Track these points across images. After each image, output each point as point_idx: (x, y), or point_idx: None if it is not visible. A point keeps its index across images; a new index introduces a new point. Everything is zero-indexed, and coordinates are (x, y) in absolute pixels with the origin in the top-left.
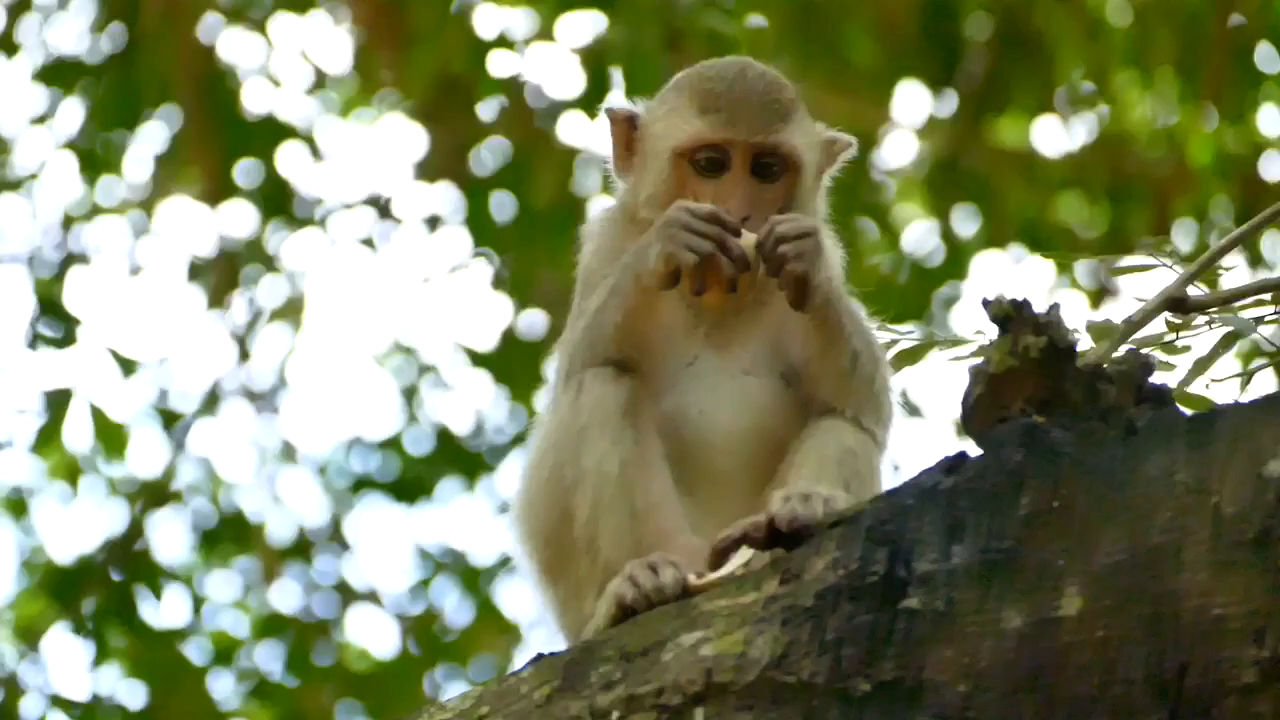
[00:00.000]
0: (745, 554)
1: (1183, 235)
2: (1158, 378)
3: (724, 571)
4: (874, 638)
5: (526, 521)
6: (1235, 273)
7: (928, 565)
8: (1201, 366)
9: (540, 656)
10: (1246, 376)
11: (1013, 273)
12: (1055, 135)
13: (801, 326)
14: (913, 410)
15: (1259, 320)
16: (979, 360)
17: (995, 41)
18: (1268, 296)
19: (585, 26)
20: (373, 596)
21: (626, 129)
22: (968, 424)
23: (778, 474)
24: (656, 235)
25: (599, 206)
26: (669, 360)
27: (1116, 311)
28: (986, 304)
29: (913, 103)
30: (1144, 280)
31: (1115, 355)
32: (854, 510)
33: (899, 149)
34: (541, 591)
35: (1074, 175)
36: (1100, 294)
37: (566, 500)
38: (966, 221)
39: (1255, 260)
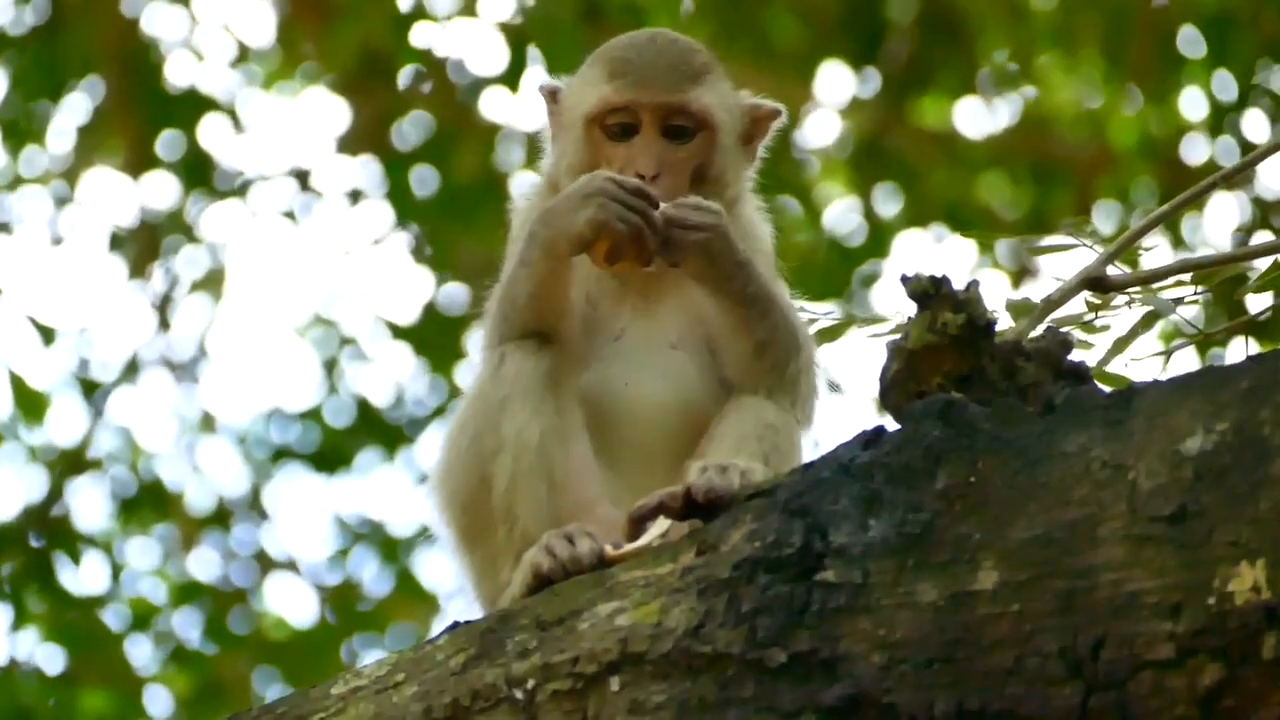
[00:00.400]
0: (662, 525)
1: (1104, 217)
2: (1076, 356)
3: (641, 542)
4: (790, 609)
5: (445, 489)
6: (1156, 253)
7: (844, 538)
8: (1121, 345)
9: (456, 624)
10: (1166, 356)
11: (934, 252)
12: (978, 116)
13: (710, 310)
14: (833, 387)
15: (1178, 301)
16: (897, 337)
17: (918, 22)
18: (1187, 277)
19: (505, 2)
20: (291, 565)
21: (551, 103)
22: (885, 399)
23: (699, 448)
24: (582, 202)
25: (521, 182)
26: (596, 333)
27: (1036, 290)
28: (905, 280)
29: (836, 82)
30: (1065, 260)
31: (1034, 333)
32: (771, 483)
33: (822, 128)
34: (459, 560)
35: (996, 156)
36: (1021, 274)
37: (485, 468)
38: (888, 201)
39: (1176, 242)
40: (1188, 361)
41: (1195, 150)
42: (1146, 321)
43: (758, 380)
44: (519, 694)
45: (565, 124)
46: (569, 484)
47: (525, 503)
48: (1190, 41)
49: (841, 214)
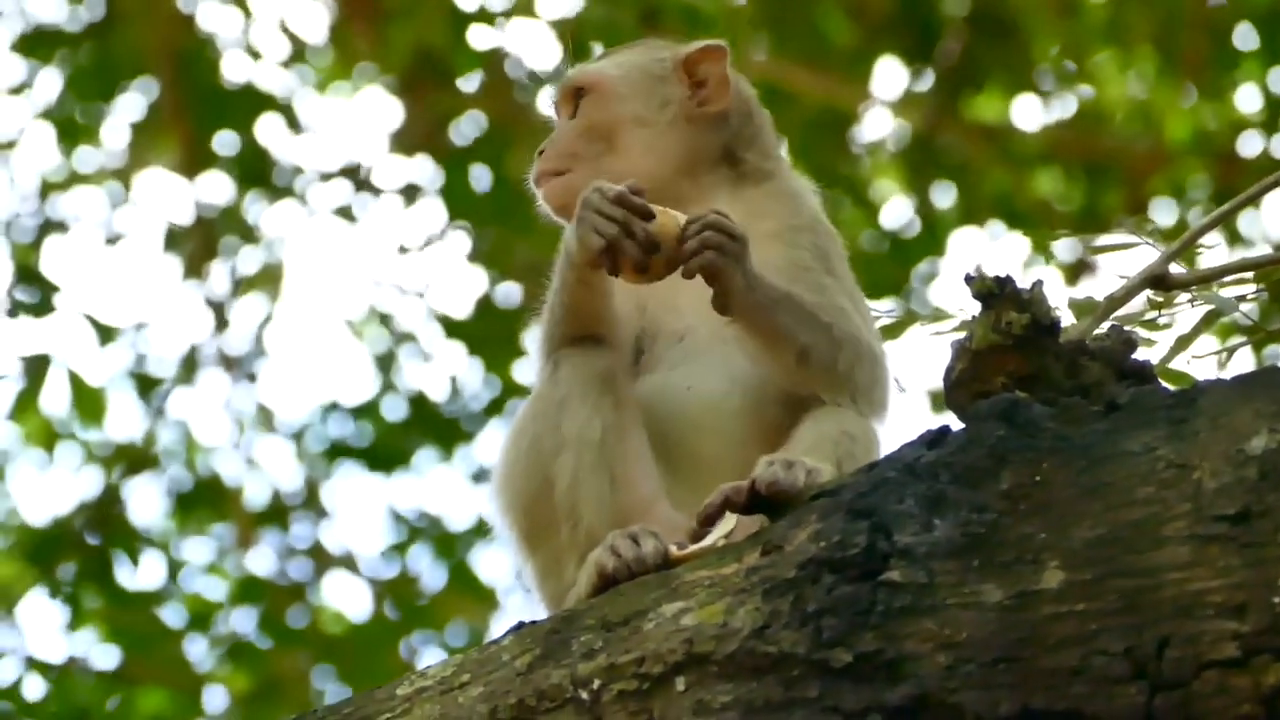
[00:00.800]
0: (727, 525)
1: (1159, 213)
2: (1139, 355)
3: (706, 543)
4: (855, 610)
5: (507, 492)
6: (1214, 251)
7: (909, 538)
8: (1183, 344)
9: (521, 625)
10: (1228, 354)
11: (989, 249)
12: (1032, 113)
13: (739, 329)
14: (897, 385)
15: (1240, 298)
16: (962, 336)
17: (971, 19)
18: (1249, 275)
19: (564, 2)
20: (348, 561)
21: None
22: (950, 399)
23: (777, 452)
24: (576, 216)
25: None
26: (657, 337)
27: (1097, 288)
28: (969, 280)
29: (890, 80)
30: (1123, 258)
31: (1097, 332)
32: (835, 483)
33: (877, 125)
34: (522, 561)
35: (1050, 152)
36: (1077, 269)
37: (547, 468)
38: (943, 197)
39: (1233, 238)
40: (1245, 360)
41: (1250, 144)
42: (1209, 320)
43: (811, 385)
44: (584, 694)
45: None
46: (629, 483)
47: (588, 500)
48: (1246, 37)
49: (897, 211)
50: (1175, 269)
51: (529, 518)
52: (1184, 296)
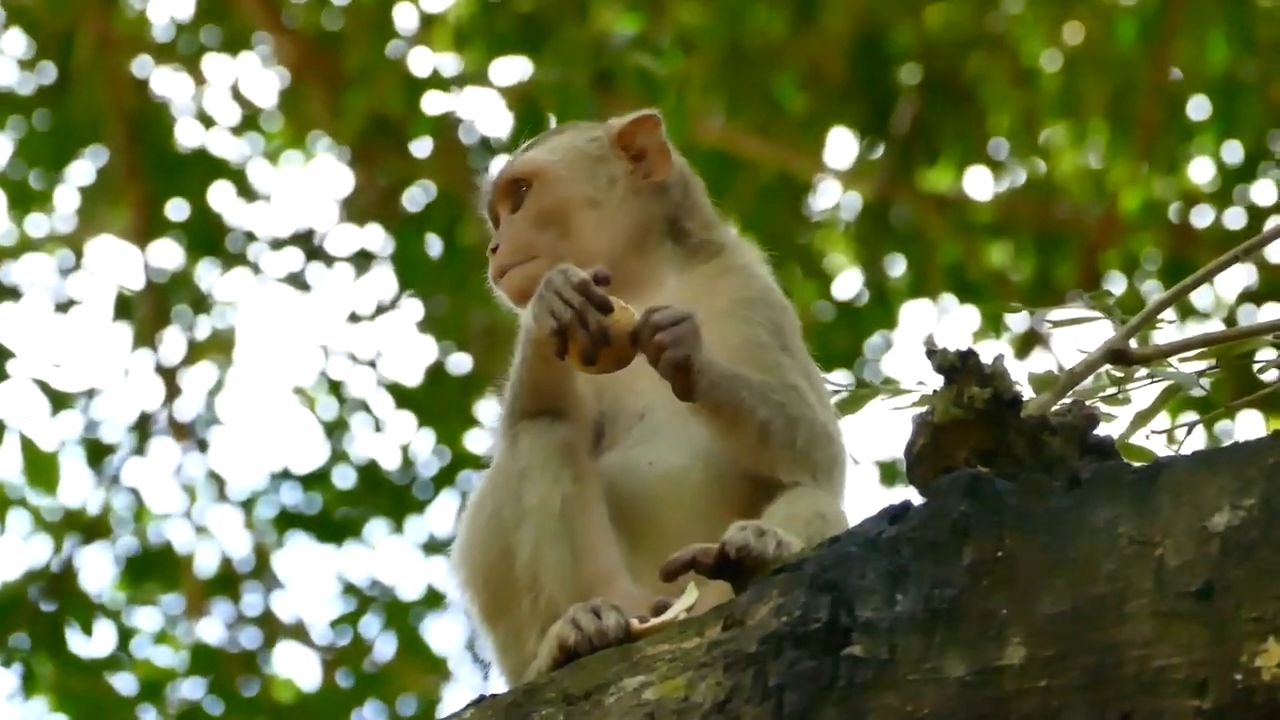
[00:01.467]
0: (689, 598)
1: (1112, 284)
2: (1101, 430)
3: (667, 616)
4: (817, 684)
5: (467, 564)
6: (1169, 326)
7: (871, 613)
8: (1143, 419)
9: (482, 698)
10: (1189, 429)
11: (941, 320)
12: (985, 183)
13: (698, 413)
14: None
15: (1201, 373)
16: (923, 410)
17: (924, 89)
18: (1206, 350)
19: (516, 68)
20: (299, 630)
21: None
22: (912, 474)
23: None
24: (536, 294)
25: None
26: (617, 416)
27: (1048, 361)
28: (931, 353)
29: (843, 149)
30: (1077, 331)
31: (1058, 407)
32: (797, 558)
33: (829, 195)
34: (483, 634)
35: (1003, 223)
36: (1029, 342)
37: (507, 540)
38: (895, 268)
39: (1185, 312)
40: (1197, 437)
41: (1202, 217)
42: (1168, 395)
43: (771, 464)
44: None
45: None
46: (590, 555)
47: (549, 571)
48: (1199, 109)
49: (849, 281)
50: (1134, 344)
51: (490, 589)
52: (1142, 371)
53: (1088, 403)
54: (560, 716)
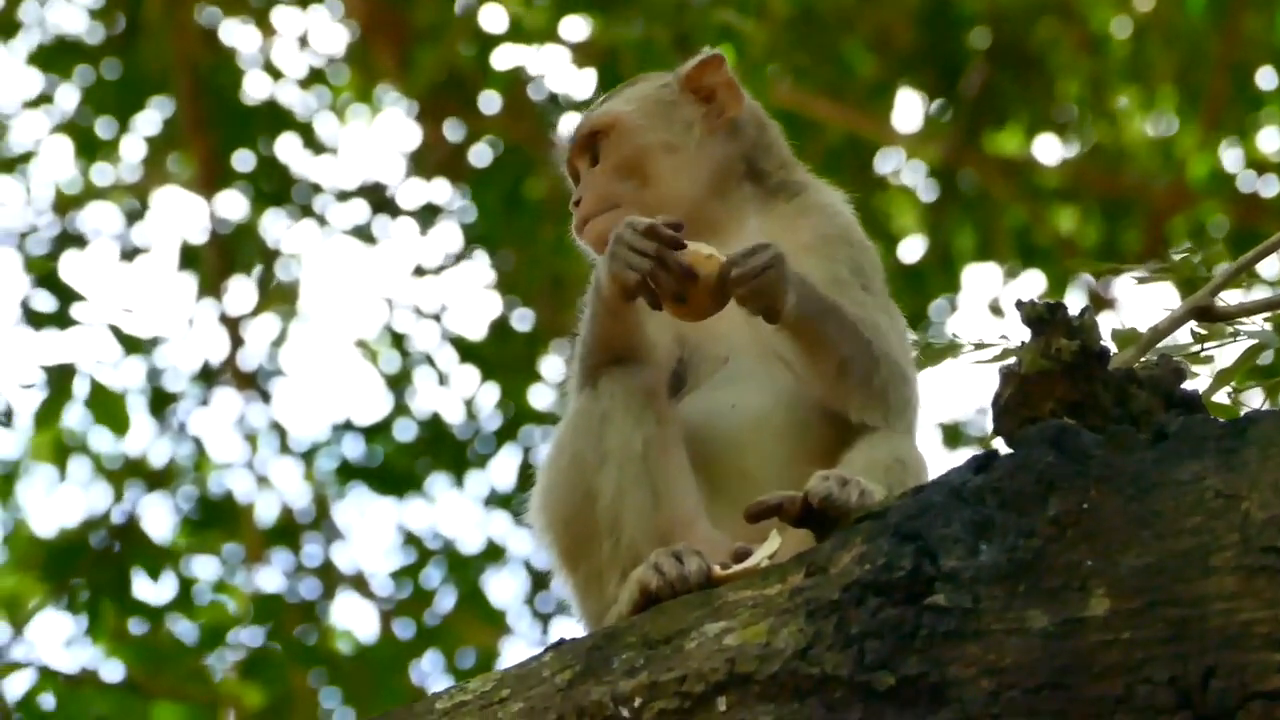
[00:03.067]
0: (771, 545)
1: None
2: (1188, 384)
3: (749, 563)
4: (899, 633)
5: (548, 507)
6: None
7: (954, 563)
8: (1226, 377)
9: (562, 641)
10: (1270, 387)
11: (1004, 284)
12: (1052, 148)
13: (784, 342)
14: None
15: None
16: (1010, 361)
17: (993, 54)
18: None
19: (585, 25)
20: (358, 581)
21: None
22: (998, 424)
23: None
24: (608, 251)
25: None
26: (701, 361)
27: (1133, 321)
28: (1020, 305)
29: (911, 113)
30: (1147, 294)
31: (1144, 361)
32: (882, 506)
33: (896, 158)
34: (563, 579)
35: (1070, 188)
36: (1096, 306)
37: (589, 482)
38: (960, 232)
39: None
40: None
41: (1269, 185)
42: (1252, 353)
43: (845, 399)
44: (625, 712)
45: None
46: (670, 499)
47: (631, 514)
48: (1267, 79)
49: (914, 245)
50: (1219, 302)
51: (571, 533)
52: (1225, 331)
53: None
54: (641, 660)
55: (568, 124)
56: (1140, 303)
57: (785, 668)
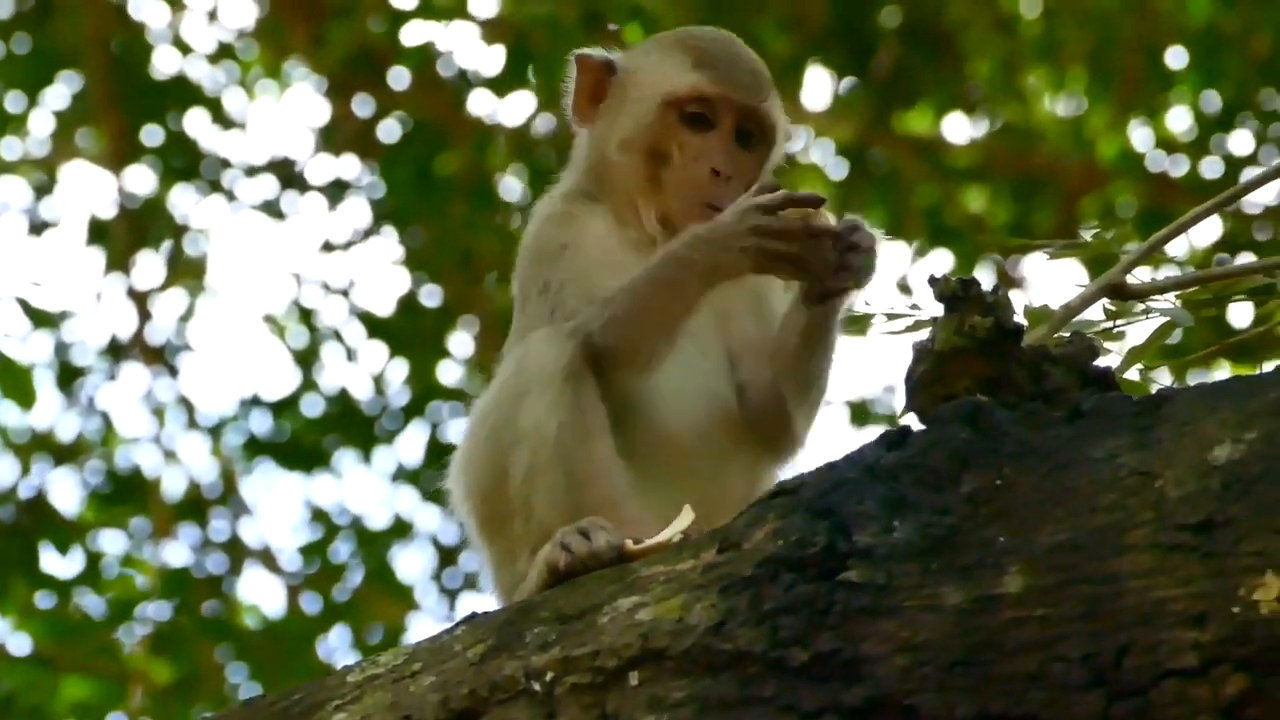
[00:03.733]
0: (683, 520)
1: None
2: (1101, 361)
3: (661, 537)
4: (813, 609)
5: (465, 478)
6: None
7: (869, 539)
8: (1137, 355)
9: (474, 615)
10: (1178, 366)
11: (915, 262)
12: (963, 128)
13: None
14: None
15: (1199, 305)
16: (923, 337)
17: (904, 33)
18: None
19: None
20: (265, 556)
21: (599, 75)
22: (912, 401)
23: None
24: (741, 237)
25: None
26: None
27: (1043, 299)
28: (934, 282)
29: (821, 92)
30: (1053, 272)
31: (1058, 338)
32: (795, 481)
33: (805, 137)
34: (480, 549)
35: (981, 167)
36: (1007, 283)
37: (503, 459)
38: (871, 211)
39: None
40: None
41: (1178, 166)
42: (1163, 331)
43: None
44: (538, 686)
45: (631, 100)
46: (590, 481)
47: (542, 495)
48: (1178, 58)
49: None
50: (1130, 280)
51: (486, 506)
52: (1136, 309)
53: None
54: (553, 635)
55: (743, 82)
56: (1049, 282)
57: (699, 643)
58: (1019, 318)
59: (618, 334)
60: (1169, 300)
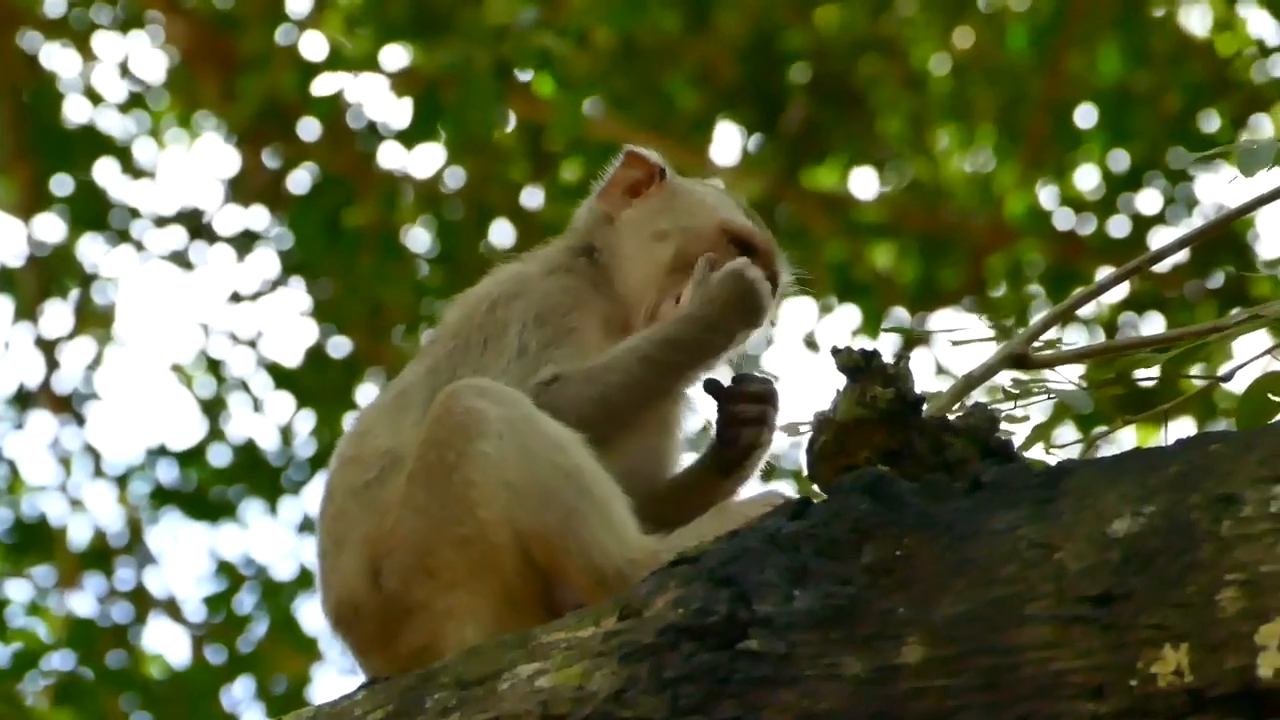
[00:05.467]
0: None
1: (994, 290)
2: (1003, 433)
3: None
4: (713, 678)
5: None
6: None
7: (769, 608)
8: (1042, 432)
9: (375, 680)
10: (1089, 442)
11: (822, 319)
12: (872, 184)
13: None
14: None
15: (1097, 385)
16: (826, 408)
17: (814, 90)
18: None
19: (405, 54)
20: (170, 606)
21: (649, 174)
22: (813, 471)
23: None
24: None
25: (415, 233)
26: None
27: (931, 360)
28: (836, 353)
29: (731, 147)
30: (957, 329)
31: (959, 409)
32: (697, 551)
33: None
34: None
35: (890, 224)
36: (910, 342)
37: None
38: None
39: (1066, 320)
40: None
41: (1086, 224)
42: (1062, 411)
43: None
44: None
45: (680, 209)
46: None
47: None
48: (1086, 117)
49: None
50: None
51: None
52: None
53: (990, 406)
54: (454, 701)
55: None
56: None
57: (599, 711)
58: (921, 387)
59: (610, 409)
60: (1070, 378)
